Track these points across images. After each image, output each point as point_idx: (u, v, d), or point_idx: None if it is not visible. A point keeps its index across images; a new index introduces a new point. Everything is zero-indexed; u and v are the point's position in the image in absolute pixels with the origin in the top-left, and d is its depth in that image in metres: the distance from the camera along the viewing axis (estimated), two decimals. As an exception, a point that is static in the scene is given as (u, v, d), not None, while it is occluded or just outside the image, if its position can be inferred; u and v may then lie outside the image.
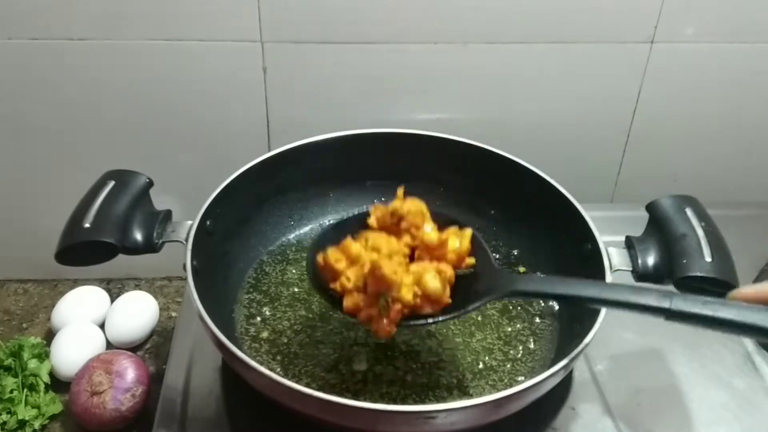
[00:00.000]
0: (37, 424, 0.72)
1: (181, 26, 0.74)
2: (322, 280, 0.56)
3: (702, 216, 0.60)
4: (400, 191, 0.61)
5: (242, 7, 0.73)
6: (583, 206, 0.65)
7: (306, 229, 0.75)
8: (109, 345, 0.80)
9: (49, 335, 0.81)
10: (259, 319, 0.65)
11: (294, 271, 0.70)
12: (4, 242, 0.88)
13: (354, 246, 0.55)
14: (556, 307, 0.67)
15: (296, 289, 0.69)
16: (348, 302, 0.53)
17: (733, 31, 0.80)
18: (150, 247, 0.59)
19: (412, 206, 0.59)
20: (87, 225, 0.57)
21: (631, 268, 0.59)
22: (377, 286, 0.52)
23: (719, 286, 0.55)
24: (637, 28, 0.79)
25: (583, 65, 0.81)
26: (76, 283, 0.89)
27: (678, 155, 0.89)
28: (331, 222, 0.75)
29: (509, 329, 0.65)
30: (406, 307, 0.52)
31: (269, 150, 0.70)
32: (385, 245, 0.56)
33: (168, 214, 0.62)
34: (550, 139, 0.86)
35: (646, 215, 0.63)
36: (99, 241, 0.56)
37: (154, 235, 0.59)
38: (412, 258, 0.58)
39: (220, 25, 0.75)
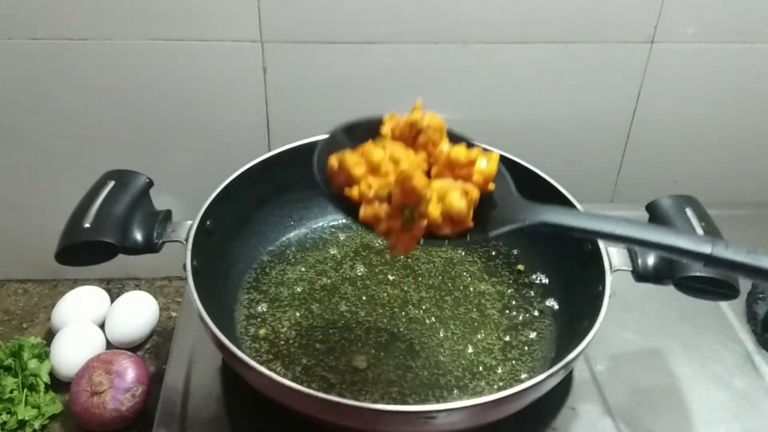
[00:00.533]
0: (37, 424, 0.72)
1: (181, 26, 0.74)
2: (333, 185, 0.53)
3: (702, 216, 0.60)
4: (419, 103, 0.57)
5: (242, 7, 0.74)
6: (583, 206, 0.64)
7: (306, 229, 0.75)
8: (109, 345, 0.80)
9: (49, 335, 0.81)
10: (259, 319, 0.65)
11: (294, 271, 0.70)
12: (4, 242, 0.88)
13: (377, 152, 0.51)
14: (556, 307, 0.67)
15: (296, 289, 0.69)
16: (367, 211, 0.50)
17: (733, 31, 0.80)
18: (150, 247, 0.59)
19: (432, 121, 0.55)
20: (87, 225, 0.57)
21: (631, 269, 0.59)
22: (405, 198, 0.48)
23: (719, 286, 0.55)
24: (637, 28, 0.79)
25: (583, 65, 0.81)
26: (76, 283, 0.89)
27: (678, 155, 0.89)
28: (332, 227, 0.74)
29: (509, 329, 0.65)
30: (430, 223, 0.49)
31: (269, 150, 0.70)
32: (404, 157, 0.52)
33: (168, 214, 0.62)
34: (550, 139, 0.86)
35: (646, 215, 0.63)
36: (99, 241, 0.56)
37: (154, 235, 0.59)
38: (427, 174, 0.54)
39: (220, 25, 0.75)
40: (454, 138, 0.55)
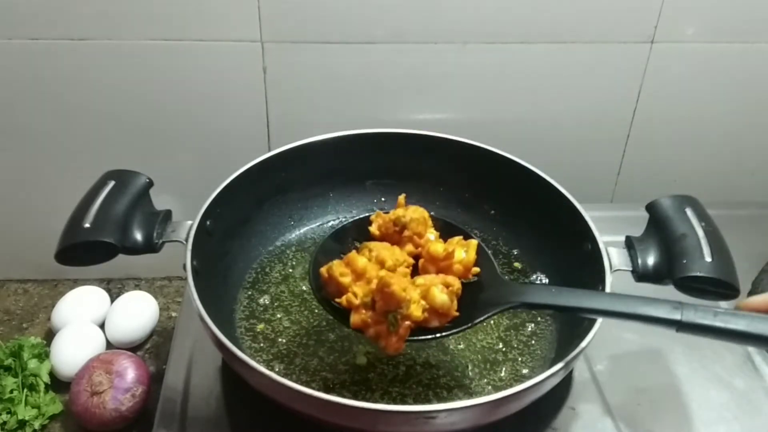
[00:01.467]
0: (37, 424, 0.72)
1: (181, 26, 0.74)
2: (325, 292, 0.56)
3: (702, 216, 0.60)
4: (402, 199, 0.61)
5: (242, 7, 0.74)
6: (583, 206, 0.65)
7: (306, 229, 0.75)
8: (109, 345, 0.80)
9: (49, 335, 0.81)
10: (259, 319, 0.65)
11: (294, 271, 0.70)
12: (4, 242, 0.88)
13: (360, 260, 0.55)
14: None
15: (296, 289, 0.69)
16: (355, 319, 0.53)
17: (733, 31, 0.80)
18: (150, 247, 0.59)
19: (415, 214, 0.59)
20: (87, 225, 0.57)
21: (631, 268, 0.59)
22: (386, 304, 0.51)
23: (719, 286, 0.55)
24: (637, 28, 0.79)
25: (583, 65, 0.81)
26: (76, 283, 0.89)
27: (678, 155, 0.89)
28: (332, 228, 0.74)
29: (509, 329, 0.65)
30: (414, 323, 0.52)
31: (269, 150, 0.70)
32: (389, 257, 0.55)
33: (168, 214, 0.62)
34: (550, 139, 0.86)
35: (646, 215, 0.63)
36: (99, 241, 0.56)
37: (154, 235, 0.59)
38: (415, 266, 0.58)
39: (220, 25, 0.75)
40: (441, 224, 0.60)
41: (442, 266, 0.56)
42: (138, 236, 0.59)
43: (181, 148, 0.82)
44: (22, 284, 0.91)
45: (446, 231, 0.60)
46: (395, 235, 0.59)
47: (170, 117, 0.80)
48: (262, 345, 0.63)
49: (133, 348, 0.80)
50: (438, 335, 0.54)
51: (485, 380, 0.60)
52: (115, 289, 0.90)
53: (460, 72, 0.80)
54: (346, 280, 0.54)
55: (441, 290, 0.53)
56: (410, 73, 0.80)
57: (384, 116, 0.82)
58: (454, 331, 0.54)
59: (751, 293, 0.72)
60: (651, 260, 0.59)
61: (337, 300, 0.54)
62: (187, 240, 0.59)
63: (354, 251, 0.56)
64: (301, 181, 0.73)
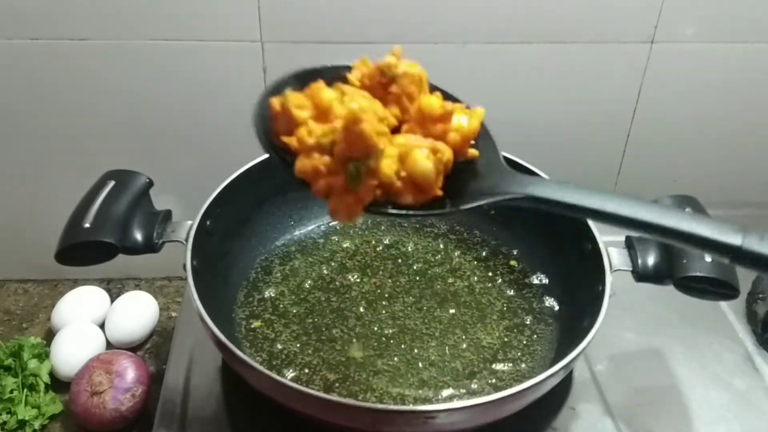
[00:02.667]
0: (37, 424, 0.72)
1: (181, 26, 0.74)
2: (274, 133, 0.44)
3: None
4: (398, 48, 0.48)
5: (242, 7, 0.73)
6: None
7: (306, 229, 0.75)
8: (109, 345, 0.80)
9: (49, 335, 0.81)
10: (259, 318, 0.65)
11: (294, 270, 0.70)
12: (4, 242, 0.88)
13: (326, 92, 0.42)
14: (557, 307, 0.67)
15: (296, 289, 0.69)
16: (304, 164, 0.41)
17: (733, 31, 0.80)
18: (150, 247, 0.59)
19: (410, 68, 0.47)
20: (87, 225, 0.57)
21: (631, 268, 0.59)
22: (350, 147, 0.39)
23: (719, 286, 0.56)
24: (637, 28, 0.79)
25: (583, 65, 0.81)
26: (76, 283, 0.89)
27: (678, 155, 0.89)
28: (330, 226, 0.72)
29: (509, 329, 0.65)
30: (382, 185, 0.40)
31: (269, 150, 0.70)
32: (366, 105, 0.42)
33: (168, 214, 0.62)
34: (550, 139, 0.86)
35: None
36: (99, 241, 0.56)
37: (154, 235, 0.59)
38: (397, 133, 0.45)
39: (220, 25, 0.75)
40: (438, 95, 0.47)
41: (433, 131, 0.43)
42: (138, 236, 0.59)
43: (181, 148, 0.82)
44: (22, 284, 0.91)
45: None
46: (380, 89, 0.45)
47: (170, 117, 0.80)
48: (262, 345, 0.63)
49: (133, 348, 0.80)
50: (408, 212, 0.41)
51: (485, 380, 0.60)
52: (115, 289, 0.90)
53: (460, 72, 0.80)
54: (302, 114, 0.41)
55: (426, 156, 0.40)
56: (410, 73, 0.80)
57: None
58: (432, 212, 0.42)
59: (751, 293, 0.72)
60: (651, 260, 0.59)
61: (285, 138, 0.42)
62: (187, 240, 0.59)
63: (320, 81, 0.43)
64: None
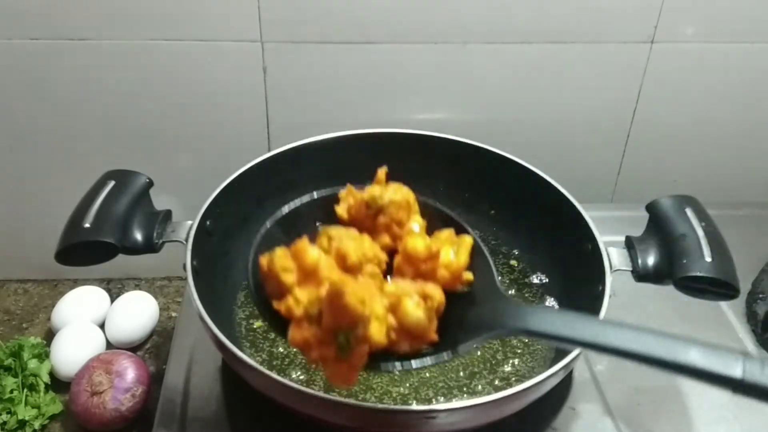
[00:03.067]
0: (37, 424, 0.72)
1: (181, 26, 0.74)
2: (265, 290, 0.44)
3: (702, 216, 0.60)
4: (382, 172, 0.49)
5: (242, 7, 0.73)
6: (583, 206, 0.64)
7: (306, 229, 0.75)
8: (109, 345, 0.80)
9: (49, 335, 0.81)
10: (259, 319, 0.65)
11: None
12: (4, 242, 0.88)
13: (310, 253, 0.41)
14: (557, 307, 0.67)
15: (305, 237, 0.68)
16: (295, 335, 0.40)
17: (733, 31, 0.80)
18: (150, 247, 0.59)
19: (395, 195, 0.46)
20: (87, 225, 0.57)
21: (631, 268, 0.59)
22: (336, 320, 0.38)
23: (719, 286, 0.55)
24: (637, 28, 0.79)
25: (583, 65, 0.81)
26: (76, 283, 0.89)
27: (678, 155, 0.89)
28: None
29: (509, 329, 0.65)
30: (375, 347, 0.40)
31: (269, 150, 0.70)
32: (354, 250, 0.42)
33: (168, 214, 0.62)
34: (550, 139, 0.86)
35: (646, 215, 0.63)
36: (99, 241, 0.56)
37: (154, 235, 0.59)
38: (390, 264, 0.45)
39: (220, 25, 0.75)
40: (429, 212, 0.46)
41: (422, 270, 0.43)
42: (138, 236, 0.59)
43: (181, 148, 0.82)
44: (22, 284, 0.91)
45: (436, 220, 0.49)
46: (368, 220, 0.46)
47: (170, 117, 0.80)
48: (262, 345, 0.63)
49: (133, 348, 0.80)
50: (405, 367, 0.42)
51: (485, 380, 0.60)
52: (115, 289, 0.90)
53: (460, 72, 0.80)
54: (288, 278, 0.41)
55: (416, 304, 0.40)
56: (410, 73, 0.80)
57: (384, 116, 0.82)
58: (430, 362, 0.42)
59: (751, 293, 0.72)
60: (651, 260, 0.59)
61: (276, 305, 0.41)
62: (187, 240, 0.59)
63: (305, 238, 0.42)
64: (301, 181, 0.73)
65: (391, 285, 0.42)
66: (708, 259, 0.56)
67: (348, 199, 0.47)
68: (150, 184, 0.63)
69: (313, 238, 0.45)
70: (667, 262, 0.58)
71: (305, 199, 0.50)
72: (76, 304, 0.81)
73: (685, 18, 0.78)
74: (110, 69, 0.76)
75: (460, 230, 0.47)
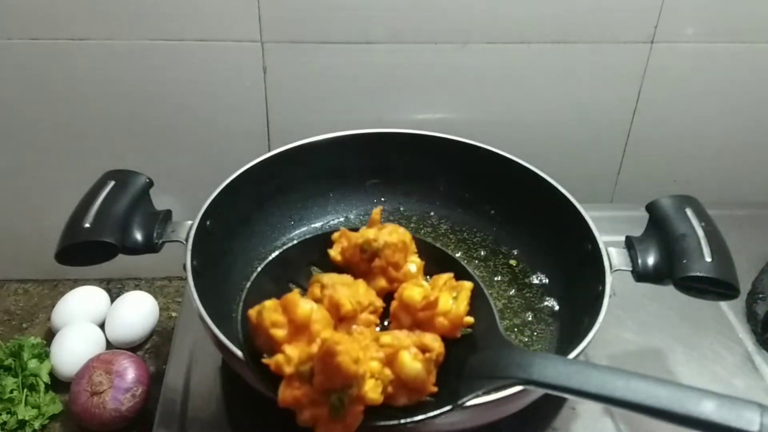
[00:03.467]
0: (37, 424, 0.72)
1: (181, 26, 0.74)
2: (254, 343, 0.42)
3: (702, 216, 0.60)
4: (376, 213, 0.47)
5: (242, 7, 0.73)
6: (583, 206, 0.64)
7: (306, 229, 0.75)
8: (109, 345, 0.80)
9: (49, 335, 0.81)
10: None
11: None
12: (4, 242, 0.88)
13: (302, 306, 0.39)
14: (557, 307, 0.67)
15: (296, 289, 0.68)
16: (285, 395, 0.39)
17: (733, 31, 0.80)
18: (150, 247, 0.59)
19: (391, 237, 0.44)
20: (87, 225, 0.57)
21: (631, 268, 0.59)
22: (329, 379, 0.37)
23: (719, 286, 0.55)
24: (637, 28, 0.79)
25: (583, 65, 0.81)
26: (76, 283, 0.89)
27: (678, 155, 0.89)
28: (331, 227, 0.69)
29: (509, 329, 0.65)
30: (370, 404, 0.38)
31: (269, 150, 0.70)
32: (348, 298, 0.41)
33: (168, 214, 0.62)
34: (550, 139, 0.86)
35: (646, 215, 0.63)
36: (99, 241, 0.56)
37: (154, 235, 0.59)
38: (387, 308, 0.44)
39: (220, 25, 0.75)
40: (427, 252, 0.44)
41: (420, 318, 0.41)
42: (138, 236, 0.59)
43: (181, 148, 0.82)
44: (22, 284, 0.91)
45: (435, 261, 0.47)
46: (363, 263, 0.44)
47: (170, 117, 0.80)
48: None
49: (133, 348, 0.80)
50: (404, 421, 0.39)
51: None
52: (115, 289, 0.90)
53: (460, 72, 0.80)
54: (279, 333, 0.39)
55: (414, 357, 0.39)
56: (410, 73, 0.80)
57: (384, 116, 0.82)
58: (429, 415, 0.40)
59: (751, 293, 0.72)
60: (651, 260, 0.59)
61: (266, 361, 0.39)
62: (187, 240, 0.59)
63: (296, 290, 0.41)
64: (301, 181, 0.73)
65: (388, 336, 0.40)
66: (708, 259, 0.56)
67: (342, 241, 0.45)
68: (150, 184, 0.63)
69: (307, 281, 0.43)
70: (667, 262, 0.58)
71: (297, 241, 0.48)
72: (76, 304, 0.81)
73: (685, 18, 0.78)
74: (110, 69, 0.76)
75: (459, 270, 0.45)
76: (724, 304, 0.72)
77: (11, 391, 0.72)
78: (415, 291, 0.41)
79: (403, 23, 0.76)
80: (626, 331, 0.68)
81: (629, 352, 0.67)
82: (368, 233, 0.43)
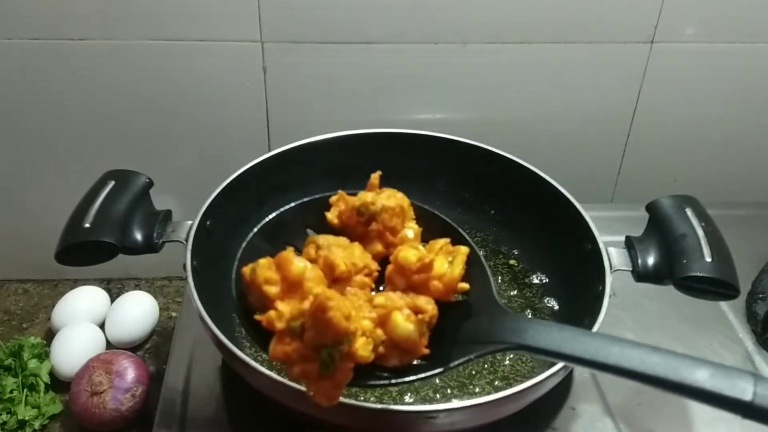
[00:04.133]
0: (37, 424, 0.72)
1: (181, 26, 0.74)
2: (247, 301, 0.43)
3: (702, 216, 0.60)
4: (375, 177, 0.47)
5: (242, 7, 0.73)
6: (583, 206, 0.64)
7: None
8: (109, 345, 0.80)
9: (49, 335, 0.81)
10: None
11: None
12: (4, 242, 0.88)
13: (295, 264, 0.39)
14: (556, 307, 0.67)
15: (290, 248, 0.68)
16: (276, 350, 0.39)
17: (733, 31, 0.80)
18: (150, 247, 0.59)
19: (389, 201, 0.45)
20: (87, 225, 0.57)
21: (631, 268, 0.59)
22: (320, 335, 0.37)
23: (719, 286, 0.55)
24: (637, 28, 0.79)
25: (583, 65, 0.81)
26: (76, 283, 0.89)
27: (678, 155, 0.89)
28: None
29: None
30: (361, 363, 0.38)
31: (269, 150, 0.70)
32: (343, 259, 0.41)
33: (168, 214, 0.62)
34: (550, 139, 0.86)
35: (646, 215, 0.63)
36: (99, 241, 0.56)
37: (154, 235, 0.59)
38: (382, 273, 0.44)
39: (220, 25, 0.75)
40: (426, 218, 0.44)
41: (414, 281, 0.42)
42: (138, 236, 0.59)
43: (181, 148, 0.82)
44: (22, 284, 0.91)
45: (433, 227, 0.48)
46: (360, 227, 0.44)
47: (170, 117, 0.80)
48: (262, 345, 0.63)
49: (133, 348, 0.80)
50: (393, 381, 0.40)
51: (485, 380, 0.60)
52: (115, 289, 0.90)
53: (460, 72, 0.80)
54: (271, 290, 0.39)
55: (406, 318, 0.39)
56: (410, 73, 0.80)
57: (384, 116, 0.82)
58: (420, 376, 0.40)
59: (751, 293, 0.72)
60: (651, 260, 0.59)
61: (257, 317, 0.40)
62: (187, 240, 0.59)
63: (291, 249, 0.41)
64: (301, 181, 0.73)
65: (381, 297, 0.40)
66: (708, 259, 0.56)
67: (339, 204, 0.45)
68: (150, 184, 0.63)
69: (303, 243, 0.43)
70: (667, 262, 0.58)
71: (294, 203, 0.47)
72: (76, 304, 0.81)
73: (685, 18, 0.78)
74: (110, 69, 0.76)
75: (457, 238, 0.45)
76: (724, 304, 0.72)
77: (11, 391, 0.72)
78: (410, 253, 0.41)
79: (403, 23, 0.76)
80: (626, 331, 0.68)
81: (629, 352, 0.67)
82: (366, 196, 0.43)
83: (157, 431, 0.58)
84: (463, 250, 0.43)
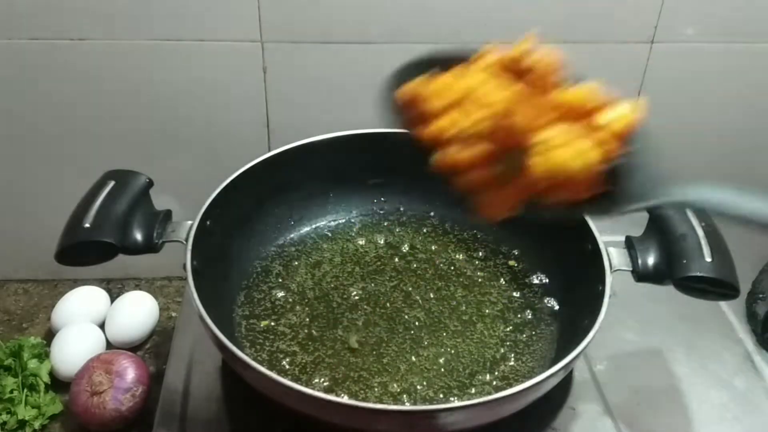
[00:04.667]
0: (37, 424, 0.72)
1: (180, 26, 0.74)
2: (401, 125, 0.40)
3: (702, 216, 0.60)
4: (532, 35, 0.42)
5: (242, 7, 0.73)
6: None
7: (306, 229, 0.75)
8: (109, 345, 0.80)
9: (49, 335, 0.81)
10: (259, 318, 0.65)
11: (294, 270, 0.70)
12: (4, 242, 0.88)
13: (474, 74, 0.37)
14: (557, 307, 0.67)
15: (296, 289, 0.69)
16: (445, 156, 0.36)
17: (733, 31, 0.80)
18: (150, 247, 0.59)
19: (544, 57, 0.41)
20: (87, 225, 0.57)
21: (631, 268, 0.59)
22: (505, 140, 0.34)
23: (719, 286, 0.55)
24: (637, 28, 0.79)
25: (583, 65, 0.81)
26: (76, 283, 0.89)
27: (678, 155, 0.89)
28: (330, 228, 0.70)
29: (509, 329, 0.65)
30: (541, 181, 0.35)
31: (269, 150, 0.70)
32: (500, 101, 0.36)
33: (168, 214, 0.62)
34: (550, 139, 0.86)
35: (646, 215, 0.63)
36: (99, 241, 0.56)
37: (154, 235, 0.59)
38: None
39: (220, 25, 0.75)
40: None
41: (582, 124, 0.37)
42: (138, 236, 0.59)
43: (181, 148, 0.82)
44: (22, 284, 0.91)
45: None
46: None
47: (170, 117, 0.80)
48: (262, 345, 0.63)
49: (133, 348, 0.80)
50: (559, 213, 0.37)
51: (485, 380, 0.60)
52: (115, 289, 0.90)
53: (460, 72, 0.80)
54: (438, 102, 0.37)
55: (590, 147, 0.35)
56: (410, 73, 0.80)
57: (384, 116, 0.82)
58: (586, 212, 0.38)
59: (751, 293, 0.72)
60: (651, 260, 0.59)
61: (419, 131, 0.37)
62: (187, 240, 0.59)
63: (458, 67, 0.38)
64: (301, 181, 0.73)
65: (556, 128, 0.36)
66: (708, 259, 0.56)
67: (488, 56, 0.39)
68: (150, 184, 0.63)
69: None
70: (667, 262, 0.58)
71: (430, 53, 0.43)
72: (76, 304, 0.81)
73: (685, 18, 0.78)
74: (110, 69, 0.76)
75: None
76: (724, 304, 0.72)
77: (11, 391, 0.72)
78: (580, 94, 0.37)
79: (403, 23, 0.76)
80: (626, 331, 0.68)
81: (629, 352, 0.67)
82: (521, 46, 0.39)
83: (157, 431, 0.58)
84: (642, 103, 0.39)
